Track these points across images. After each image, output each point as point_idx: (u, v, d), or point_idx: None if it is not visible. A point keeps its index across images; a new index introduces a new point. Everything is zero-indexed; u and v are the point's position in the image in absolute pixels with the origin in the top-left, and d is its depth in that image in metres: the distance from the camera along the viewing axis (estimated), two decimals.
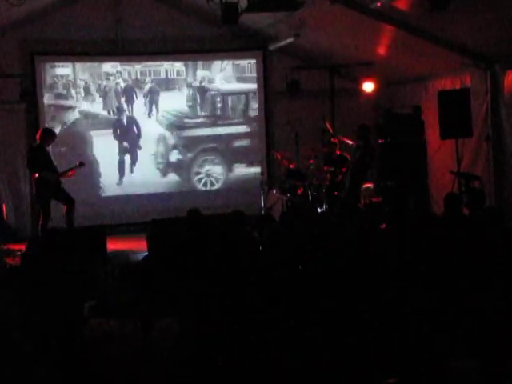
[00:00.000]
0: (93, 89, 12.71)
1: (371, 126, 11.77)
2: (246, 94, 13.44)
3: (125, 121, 12.89)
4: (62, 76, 12.61)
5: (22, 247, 10.01)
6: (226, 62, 13.37)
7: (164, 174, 13.16)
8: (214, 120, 13.34)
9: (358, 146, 11.22)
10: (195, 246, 6.77)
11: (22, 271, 4.88)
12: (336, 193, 11.12)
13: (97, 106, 12.78)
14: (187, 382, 4.52)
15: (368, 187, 11.47)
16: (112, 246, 10.22)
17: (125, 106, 12.88)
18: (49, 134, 10.51)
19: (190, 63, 13.22)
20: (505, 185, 10.09)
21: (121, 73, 12.87)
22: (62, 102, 12.57)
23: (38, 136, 10.46)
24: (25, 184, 12.20)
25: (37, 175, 10.23)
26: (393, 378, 4.22)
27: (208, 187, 13.35)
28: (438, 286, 5.07)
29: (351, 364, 4.38)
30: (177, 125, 13.17)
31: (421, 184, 11.40)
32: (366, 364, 4.38)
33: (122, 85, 12.86)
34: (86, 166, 11.11)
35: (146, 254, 8.08)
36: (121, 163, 12.89)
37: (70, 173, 10.63)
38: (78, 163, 10.73)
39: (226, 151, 13.39)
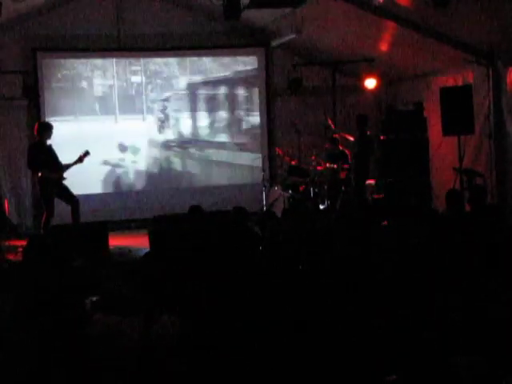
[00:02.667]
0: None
1: (372, 122, 11.78)
2: (247, 90, 13.44)
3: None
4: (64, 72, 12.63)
5: (24, 243, 10.05)
6: (227, 59, 13.36)
7: (165, 170, 13.16)
8: (216, 116, 13.35)
9: (356, 138, 11.23)
10: (197, 242, 6.78)
11: (23, 267, 4.89)
12: (344, 187, 11.11)
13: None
14: (188, 378, 4.52)
15: (370, 184, 11.49)
16: (114, 242, 10.24)
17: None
18: (45, 128, 10.43)
19: (191, 59, 13.22)
20: (506, 181, 10.09)
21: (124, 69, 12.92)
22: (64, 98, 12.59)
23: (35, 132, 10.40)
24: (26, 180, 12.22)
25: (39, 174, 10.18)
26: (394, 375, 4.23)
27: (210, 183, 13.34)
28: (439, 283, 5.07)
29: (352, 361, 4.39)
30: (178, 121, 13.19)
31: (423, 181, 11.40)
32: (366, 361, 4.38)
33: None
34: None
35: (148, 250, 8.10)
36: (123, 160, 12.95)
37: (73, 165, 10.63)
38: (82, 153, 10.66)
39: (228, 147, 13.39)
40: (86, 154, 10.62)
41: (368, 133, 11.39)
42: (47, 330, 4.09)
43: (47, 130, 10.37)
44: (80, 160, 10.52)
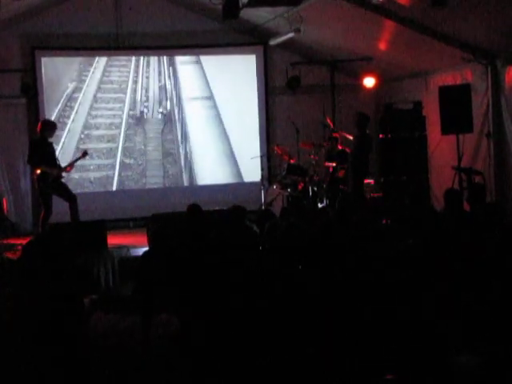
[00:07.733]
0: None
1: (371, 120, 11.76)
2: (246, 88, 13.42)
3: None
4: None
5: (22, 241, 10.05)
6: (226, 57, 13.35)
7: (163, 168, 13.16)
8: (214, 114, 13.35)
9: (355, 136, 11.22)
10: (195, 241, 6.79)
11: (21, 266, 4.89)
12: (341, 186, 11.11)
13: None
14: (187, 376, 4.52)
15: (369, 183, 11.50)
16: (113, 240, 10.24)
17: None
18: (49, 125, 10.44)
19: (190, 58, 13.23)
20: (505, 180, 10.10)
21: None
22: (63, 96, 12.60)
23: (38, 128, 10.40)
24: (25, 178, 12.21)
25: (38, 170, 10.16)
26: (392, 374, 4.23)
27: (208, 182, 13.34)
28: (438, 282, 5.07)
29: (350, 359, 4.39)
30: (176, 118, 13.19)
31: (421, 179, 11.40)
32: (365, 359, 4.38)
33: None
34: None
35: (147, 248, 8.11)
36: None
37: (72, 166, 10.61)
38: (81, 154, 10.71)
39: (226, 146, 13.38)
40: (85, 154, 10.67)
41: (367, 132, 11.39)
42: (46, 329, 4.09)
43: (50, 127, 10.39)
44: (78, 159, 10.59)
